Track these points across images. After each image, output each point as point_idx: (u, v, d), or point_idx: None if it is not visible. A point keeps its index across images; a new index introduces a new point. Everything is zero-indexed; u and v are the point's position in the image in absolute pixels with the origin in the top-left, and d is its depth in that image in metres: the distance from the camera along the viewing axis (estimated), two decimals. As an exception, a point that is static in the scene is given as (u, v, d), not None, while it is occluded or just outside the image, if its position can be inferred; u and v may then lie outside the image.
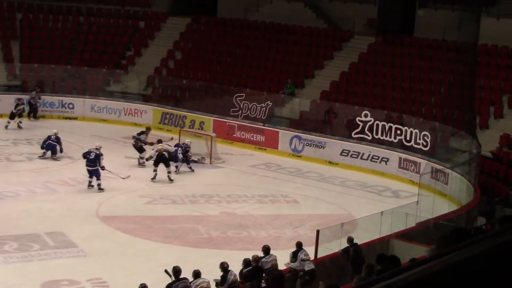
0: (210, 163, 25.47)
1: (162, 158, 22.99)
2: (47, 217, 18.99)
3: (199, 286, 12.60)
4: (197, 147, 25.82)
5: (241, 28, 34.82)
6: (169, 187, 22.48)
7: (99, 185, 21.74)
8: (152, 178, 22.82)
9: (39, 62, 33.94)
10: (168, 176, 22.88)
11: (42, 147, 24.92)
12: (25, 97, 30.63)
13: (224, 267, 13.07)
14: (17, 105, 29.36)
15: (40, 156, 24.81)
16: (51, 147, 24.89)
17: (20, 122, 29.07)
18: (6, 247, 16.79)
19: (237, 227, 19.24)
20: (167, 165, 22.95)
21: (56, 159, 24.74)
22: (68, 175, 22.97)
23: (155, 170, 22.84)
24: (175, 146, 24.39)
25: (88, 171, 21.80)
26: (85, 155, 21.92)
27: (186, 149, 24.19)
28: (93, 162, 21.74)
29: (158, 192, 21.96)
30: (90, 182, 21.88)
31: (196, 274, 12.73)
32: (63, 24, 36.41)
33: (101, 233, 18.26)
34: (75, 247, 17.08)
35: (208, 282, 12.79)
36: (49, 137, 24.94)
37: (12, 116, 28.99)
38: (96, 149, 22.12)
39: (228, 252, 15.32)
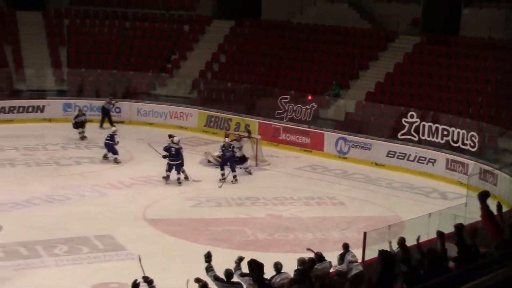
0: (256, 166, 25.50)
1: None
2: (95, 220, 19.22)
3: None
4: (243, 149, 25.90)
5: (285, 30, 34.79)
6: (215, 190, 22.58)
7: (178, 179, 22.94)
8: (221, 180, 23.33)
9: (86, 67, 34.37)
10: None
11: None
12: (84, 103, 30.96)
13: (277, 267, 13.02)
14: (77, 116, 28.70)
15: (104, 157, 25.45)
16: (107, 146, 25.23)
17: (83, 132, 28.37)
18: (56, 250, 17.04)
19: (284, 230, 19.24)
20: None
21: (114, 160, 25.14)
22: (115, 178, 23.21)
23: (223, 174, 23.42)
24: (223, 150, 24.16)
25: (170, 165, 22.83)
26: (167, 151, 22.97)
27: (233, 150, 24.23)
28: (176, 156, 22.92)
29: (204, 195, 22.06)
30: (168, 176, 22.94)
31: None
32: (109, 29, 36.81)
33: (148, 236, 18.41)
34: (123, 250, 17.26)
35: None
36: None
37: (75, 126, 28.38)
38: (175, 143, 23.21)
39: (275, 255, 15.27)
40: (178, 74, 34.43)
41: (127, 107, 31.70)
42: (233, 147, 24.15)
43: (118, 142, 25.37)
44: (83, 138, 28.17)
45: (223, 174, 23.36)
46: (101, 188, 22.27)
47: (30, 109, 31.66)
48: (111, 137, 25.41)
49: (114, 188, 22.46)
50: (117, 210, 20.31)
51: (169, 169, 23.11)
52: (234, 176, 23.40)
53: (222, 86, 32.86)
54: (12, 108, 31.41)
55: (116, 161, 25.27)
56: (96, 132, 28.89)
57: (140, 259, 12.25)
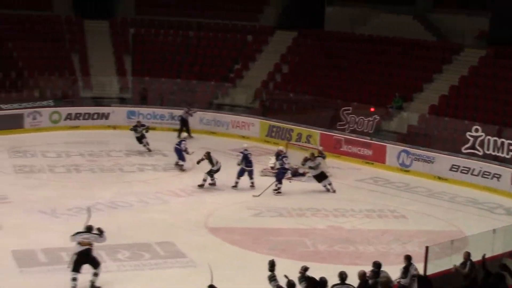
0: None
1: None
2: (157, 227, 19.42)
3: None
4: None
5: (348, 42, 34.71)
6: (276, 200, 22.60)
7: (252, 183, 23.54)
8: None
9: (150, 76, 34.84)
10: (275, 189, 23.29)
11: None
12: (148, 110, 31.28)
13: (342, 277, 12.97)
14: (135, 127, 28.24)
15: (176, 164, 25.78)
16: (175, 151, 25.50)
17: (147, 143, 28.00)
18: (119, 256, 17.27)
19: (344, 242, 19.14)
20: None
21: (179, 166, 25.46)
22: (178, 186, 23.42)
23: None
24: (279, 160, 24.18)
25: (243, 171, 23.62)
26: (244, 158, 23.65)
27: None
28: (250, 162, 23.57)
29: (265, 205, 22.09)
30: (237, 183, 23.58)
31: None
32: (174, 38, 37.27)
33: (209, 244, 18.51)
34: (184, 257, 17.39)
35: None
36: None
37: (139, 141, 28.02)
38: (245, 150, 23.96)
39: (335, 267, 15.21)
40: (241, 84, 34.64)
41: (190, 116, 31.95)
42: (283, 157, 24.03)
43: (186, 149, 25.55)
44: (149, 150, 27.95)
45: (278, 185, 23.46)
46: (163, 196, 22.50)
47: (95, 116, 32.28)
48: (180, 143, 25.70)
49: (176, 195, 22.67)
50: (178, 218, 20.47)
51: (241, 175, 23.55)
52: (278, 188, 23.33)
53: (284, 96, 32.90)
54: (78, 115, 32.07)
55: (181, 168, 25.48)
56: (158, 140, 29.21)
57: (211, 270, 12.27)
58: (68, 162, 26.26)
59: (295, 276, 12.70)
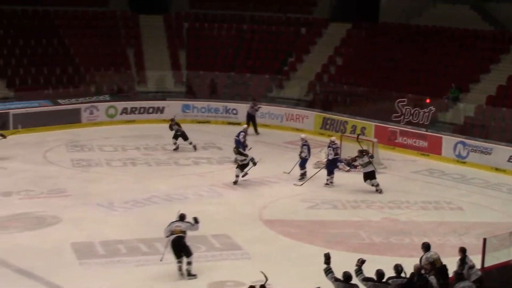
0: (372, 169, 25.34)
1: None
2: (213, 219, 19.50)
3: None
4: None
5: (403, 33, 34.40)
6: (331, 192, 22.56)
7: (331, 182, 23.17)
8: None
9: (204, 70, 35.06)
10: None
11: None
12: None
13: (398, 269, 12.93)
14: (171, 126, 27.70)
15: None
16: (235, 142, 25.51)
17: (175, 143, 27.35)
18: (175, 248, 17.46)
19: (400, 234, 19.01)
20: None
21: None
22: (232, 179, 23.52)
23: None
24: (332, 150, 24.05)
25: (306, 161, 23.60)
26: (309, 151, 23.62)
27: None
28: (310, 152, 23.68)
29: (320, 197, 22.06)
30: (305, 172, 23.57)
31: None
32: (227, 32, 37.44)
33: (264, 237, 18.57)
34: (239, 250, 17.49)
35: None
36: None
37: (175, 136, 27.40)
38: (305, 140, 23.92)
39: (391, 259, 15.13)
40: (295, 77, 34.62)
41: (244, 109, 32.07)
42: (335, 148, 23.79)
43: (244, 141, 25.58)
44: (175, 148, 27.31)
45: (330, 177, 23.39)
46: (218, 188, 22.63)
47: (151, 110, 32.64)
48: (238, 134, 25.76)
49: (231, 188, 22.78)
50: (233, 210, 20.60)
51: (305, 165, 23.58)
52: (328, 179, 23.28)
53: (338, 88, 32.80)
54: (133, 109, 32.50)
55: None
56: (212, 133, 29.35)
57: (265, 275, 12.28)
58: (124, 156, 26.62)
59: (351, 269, 12.68)
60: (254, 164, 22.92)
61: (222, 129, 31.11)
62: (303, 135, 24.74)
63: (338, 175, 23.87)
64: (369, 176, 22.75)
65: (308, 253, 17.02)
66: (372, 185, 22.71)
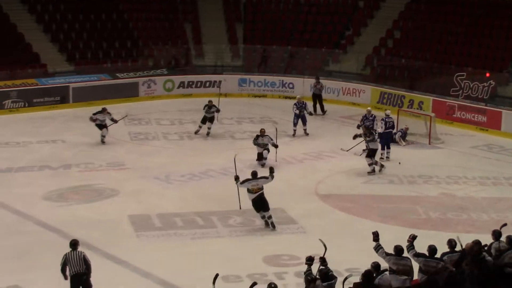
0: (429, 144, 25.02)
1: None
2: (268, 193, 19.42)
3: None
4: (416, 127, 25.51)
5: (462, 6, 33.67)
6: (387, 167, 22.27)
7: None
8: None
9: (261, 43, 34.95)
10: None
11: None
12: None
13: (451, 244, 12.63)
14: (209, 107, 25.80)
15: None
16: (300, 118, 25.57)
17: (209, 128, 25.86)
18: (230, 221, 17.53)
19: (457, 209, 18.75)
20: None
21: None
22: (288, 153, 23.45)
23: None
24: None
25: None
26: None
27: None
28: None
29: (376, 172, 21.87)
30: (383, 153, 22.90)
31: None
32: (284, 5, 37.22)
33: (319, 211, 18.51)
34: (294, 224, 17.48)
35: None
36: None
37: (203, 120, 25.86)
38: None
39: (448, 234, 14.95)
40: (352, 50, 34.26)
41: (300, 83, 31.91)
42: (387, 121, 23.48)
43: (295, 113, 25.68)
44: (196, 131, 25.87)
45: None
46: (274, 162, 22.40)
47: (207, 84, 32.70)
48: (299, 105, 25.72)
49: (286, 162, 22.73)
50: (289, 184, 20.51)
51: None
52: (382, 154, 22.94)
53: (396, 62, 32.37)
54: (190, 83, 32.61)
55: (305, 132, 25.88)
56: (269, 108, 29.28)
57: (324, 244, 12.23)
58: (181, 129, 26.78)
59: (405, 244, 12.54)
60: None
61: (278, 103, 31.03)
62: (369, 108, 24.89)
63: (394, 149, 23.63)
64: (373, 153, 21.89)
65: (363, 228, 16.85)
66: (370, 164, 21.77)
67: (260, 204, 16.89)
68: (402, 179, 21.26)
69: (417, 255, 12.24)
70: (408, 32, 33.97)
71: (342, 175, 21.66)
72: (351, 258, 14.86)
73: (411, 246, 12.39)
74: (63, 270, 12.66)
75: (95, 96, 29.99)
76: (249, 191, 16.93)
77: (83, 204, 18.72)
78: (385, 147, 23.15)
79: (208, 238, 16.49)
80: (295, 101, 26.24)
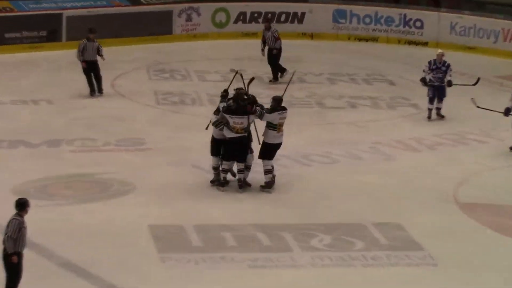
0: None
1: None
2: (375, 198, 19.40)
3: None
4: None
5: None
6: None
7: None
8: None
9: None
10: None
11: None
12: None
13: None
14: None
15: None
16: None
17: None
18: (314, 242, 17.20)
19: None
20: None
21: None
22: (409, 134, 23.42)
23: None
24: None
25: None
26: None
27: None
28: None
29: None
30: None
31: None
32: None
33: (461, 231, 18.13)
34: (418, 250, 17.03)
35: None
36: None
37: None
38: None
39: None
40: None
41: (433, 21, 31.96)
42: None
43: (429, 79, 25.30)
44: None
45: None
46: (385, 148, 22.49)
47: (283, 17, 32.84)
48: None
49: (407, 148, 22.61)
50: (409, 184, 20.35)
51: None
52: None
53: None
54: (254, 15, 33.01)
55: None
56: (378, 58, 29.09)
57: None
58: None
59: None
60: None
61: (397, 51, 30.82)
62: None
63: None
64: None
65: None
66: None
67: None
68: None
69: None
70: None
71: (498, 173, 21.42)
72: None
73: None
74: None
75: (103, 32, 29.83)
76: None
77: (78, 205, 18.63)
78: None
79: (278, 268, 16.32)
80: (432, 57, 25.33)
